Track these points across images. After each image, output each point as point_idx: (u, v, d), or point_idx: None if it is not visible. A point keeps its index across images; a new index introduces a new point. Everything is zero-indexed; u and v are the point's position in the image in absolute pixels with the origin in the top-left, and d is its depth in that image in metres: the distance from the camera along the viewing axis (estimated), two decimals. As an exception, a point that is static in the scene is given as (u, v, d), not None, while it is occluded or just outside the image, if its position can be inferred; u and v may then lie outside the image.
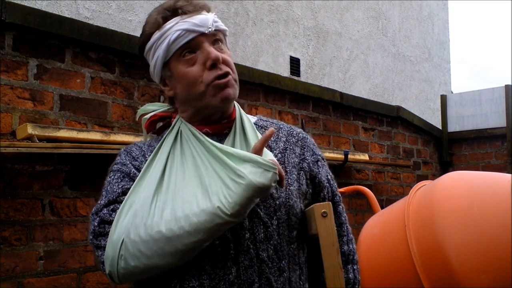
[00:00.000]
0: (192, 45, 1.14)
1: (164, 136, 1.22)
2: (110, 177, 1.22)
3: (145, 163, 1.18)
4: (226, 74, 1.14)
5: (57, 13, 3.01)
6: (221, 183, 1.06)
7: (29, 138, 2.24)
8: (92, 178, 2.48)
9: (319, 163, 1.28)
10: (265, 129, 1.27)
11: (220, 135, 1.19)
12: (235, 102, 1.24)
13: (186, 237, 1.02)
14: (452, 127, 5.67)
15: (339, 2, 5.67)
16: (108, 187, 1.19)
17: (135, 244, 1.04)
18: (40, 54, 2.39)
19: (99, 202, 1.18)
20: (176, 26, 1.13)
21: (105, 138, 2.48)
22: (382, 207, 3.04)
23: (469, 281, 2.03)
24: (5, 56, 2.27)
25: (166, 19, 1.15)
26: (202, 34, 1.14)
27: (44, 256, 2.31)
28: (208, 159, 1.12)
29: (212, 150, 1.12)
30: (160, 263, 1.05)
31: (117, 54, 2.68)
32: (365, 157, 4.33)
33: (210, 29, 1.14)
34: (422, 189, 2.45)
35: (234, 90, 1.17)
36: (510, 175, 2.23)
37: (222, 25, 1.19)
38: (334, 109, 4.20)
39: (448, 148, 5.61)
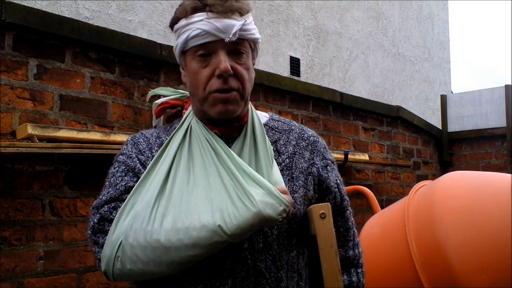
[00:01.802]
0: (208, 48, 1.10)
1: (173, 132, 1.19)
2: (114, 168, 1.20)
3: (151, 159, 1.16)
4: (229, 90, 1.10)
5: (57, 13, 3.01)
6: (228, 199, 1.03)
7: (29, 138, 2.24)
8: (92, 178, 2.48)
9: (328, 167, 1.25)
10: (275, 130, 1.24)
11: (228, 138, 1.17)
12: (249, 103, 1.22)
13: (184, 250, 1.01)
14: (452, 127, 5.67)
15: (339, 2, 5.67)
16: (112, 179, 1.18)
17: (133, 249, 1.04)
18: (40, 54, 2.39)
19: (100, 196, 1.17)
20: (199, 24, 1.09)
21: (105, 138, 2.48)
22: (382, 207, 3.04)
23: (469, 281, 2.03)
24: (5, 56, 2.27)
25: (195, 10, 1.11)
26: (221, 40, 1.09)
27: (44, 256, 2.31)
28: (217, 166, 1.09)
29: (225, 160, 1.09)
30: (155, 270, 1.04)
31: (117, 54, 2.68)
32: (365, 157, 4.33)
33: (229, 39, 1.08)
34: (422, 189, 2.45)
35: (235, 106, 1.12)
36: (510, 175, 2.23)
37: (251, 34, 1.13)
38: (334, 109, 4.20)
39: (448, 148, 5.60)
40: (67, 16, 3.04)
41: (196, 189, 1.07)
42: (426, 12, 7.11)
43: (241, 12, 1.12)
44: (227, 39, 1.08)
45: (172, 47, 1.19)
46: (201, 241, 1.00)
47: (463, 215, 2.10)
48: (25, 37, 2.34)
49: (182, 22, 1.13)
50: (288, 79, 3.95)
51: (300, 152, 1.22)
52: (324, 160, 1.25)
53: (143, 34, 3.68)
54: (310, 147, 1.24)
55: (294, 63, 5.02)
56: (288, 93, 3.76)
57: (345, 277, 1.25)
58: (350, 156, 4.04)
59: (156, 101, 1.30)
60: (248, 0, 1.14)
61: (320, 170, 1.23)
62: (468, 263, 2.04)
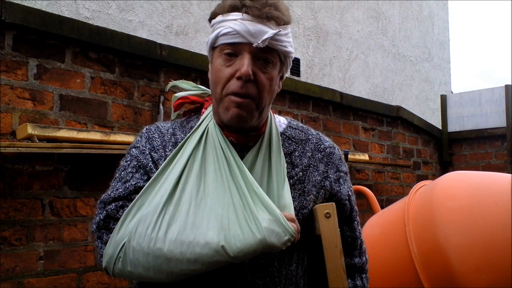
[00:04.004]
0: (236, 48, 1.09)
1: (189, 131, 1.18)
2: (126, 162, 1.19)
3: (164, 159, 1.14)
4: (245, 95, 1.08)
5: (57, 13, 3.01)
6: (234, 219, 1.02)
7: (29, 138, 2.24)
8: (92, 178, 2.48)
9: (341, 180, 1.24)
10: (292, 140, 1.23)
11: (243, 147, 1.15)
12: (270, 112, 1.20)
13: (185, 263, 1.01)
14: (452, 127, 5.67)
15: (339, 2, 5.67)
16: (123, 173, 1.17)
17: (135, 253, 1.04)
18: (40, 54, 2.39)
19: (109, 191, 1.16)
20: (232, 23, 1.08)
21: (105, 138, 2.48)
22: (382, 207, 3.04)
23: (469, 281, 2.03)
24: (5, 56, 2.27)
25: (233, 8, 1.10)
26: (250, 43, 1.07)
27: (44, 256, 2.31)
28: (228, 181, 1.07)
29: (237, 176, 1.07)
30: (155, 277, 1.05)
31: (117, 54, 2.68)
32: (365, 157, 4.33)
33: (257, 44, 1.06)
34: (422, 189, 2.45)
35: (248, 114, 1.09)
36: (510, 175, 2.23)
37: (282, 46, 1.11)
38: (334, 109, 4.20)
39: (448, 148, 5.60)
40: (67, 16, 3.04)
41: (204, 201, 1.06)
42: (426, 12, 7.11)
43: (278, 22, 1.10)
44: (255, 44, 1.06)
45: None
46: (203, 258, 1.00)
47: (463, 215, 2.10)
48: (25, 37, 2.34)
49: (219, 18, 1.12)
50: (288, 79, 3.95)
51: (315, 164, 1.21)
52: (337, 173, 1.24)
53: (143, 34, 3.68)
54: (325, 159, 1.23)
55: (294, 63, 5.01)
56: (288, 93, 3.76)
57: (349, 280, 1.24)
58: (350, 156, 4.04)
59: (176, 94, 1.28)
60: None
61: (333, 183, 1.22)
62: (468, 263, 2.04)
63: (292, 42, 1.15)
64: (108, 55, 2.65)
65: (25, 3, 2.79)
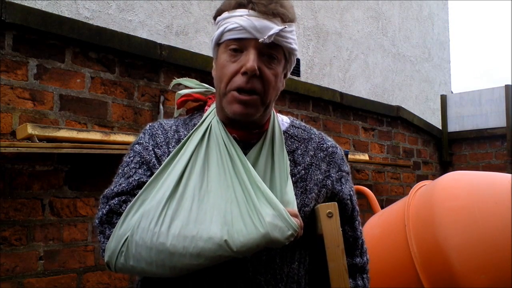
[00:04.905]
0: (241, 44, 1.09)
1: (192, 128, 1.18)
2: (129, 157, 1.19)
3: (167, 155, 1.14)
4: (250, 91, 1.09)
5: (57, 13, 3.01)
6: (238, 214, 1.03)
7: (29, 138, 2.24)
8: (92, 178, 2.48)
9: (342, 179, 1.25)
10: (295, 139, 1.23)
11: (246, 144, 1.15)
12: (273, 110, 1.21)
13: (188, 258, 1.01)
14: (452, 127, 5.67)
15: (339, 2, 5.67)
16: (126, 168, 1.18)
17: (138, 247, 1.04)
18: (40, 54, 2.39)
19: (112, 186, 1.16)
20: (238, 19, 1.09)
21: (105, 138, 2.48)
22: (382, 207, 3.04)
23: (469, 281, 2.03)
24: (5, 56, 2.27)
25: (239, 5, 1.11)
26: (256, 39, 1.08)
27: (44, 256, 2.31)
28: (231, 176, 1.08)
29: (240, 171, 1.08)
30: (157, 272, 1.05)
31: (117, 54, 2.68)
32: (365, 157, 4.33)
33: (263, 40, 1.07)
34: (422, 189, 2.45)
35: (253, 110, 1.10)
36: (510, 175, 2.23)
37: (287, 43, 1.12)
38: (334, 109, 4.20)
39: (448, 148, 5.61)
40: (67, 16, 3.03)
41: (207, 196, 1.06)
42: (426, 12, 7.11)
43: (283, 18, 1.11)
44: (261, 40, 1.07)
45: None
46: (206, 252, 1.00)
47: (463, 215, 2.10)
48: (25, 37, 2.34)
49: (225, 14, 1.13)
50: (288, 79, 3.93)
51: (317, 163, 1.21)
52: (339, 172, 1.25)
53: (143, 34, 3.68)
54: (327, 159, 1.24)
55: (294, 63, 5.01)
56: (288, 93, 3.76)
57: (351, 280, 1.24)
58: (350, 156, 4.04)
59: (180, 92, 1.29)
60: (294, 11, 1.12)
61: (335, 183, 1.23)
62: (468, 263, 2.04)
63: (296, 40, 1.16)
64: (108, 55, 2.65)
65: (25, 3, 2.79)
